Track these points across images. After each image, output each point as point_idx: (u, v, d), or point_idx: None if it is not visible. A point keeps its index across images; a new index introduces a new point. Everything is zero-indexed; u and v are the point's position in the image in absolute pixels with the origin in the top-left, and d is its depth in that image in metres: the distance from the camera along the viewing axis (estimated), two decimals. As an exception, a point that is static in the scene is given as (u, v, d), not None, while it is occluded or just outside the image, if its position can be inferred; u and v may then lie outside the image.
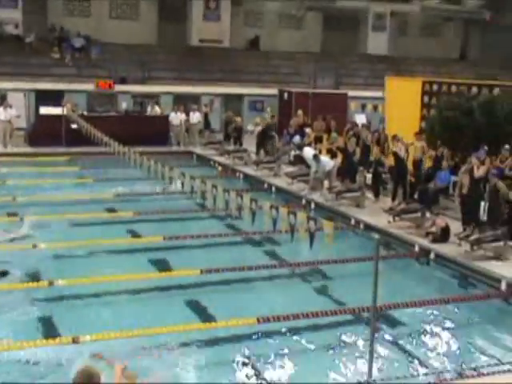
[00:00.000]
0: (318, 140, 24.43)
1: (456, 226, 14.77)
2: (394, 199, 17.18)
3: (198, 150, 26.88)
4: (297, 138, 23.69)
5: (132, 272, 12.36)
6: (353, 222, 16.58)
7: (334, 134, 21.06)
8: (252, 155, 24.01)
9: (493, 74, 37.19)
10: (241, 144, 25.29)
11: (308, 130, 24.10)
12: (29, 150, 25.18)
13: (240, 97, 33.38)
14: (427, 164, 18.51)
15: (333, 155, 20.08)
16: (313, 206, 18.38)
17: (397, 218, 15.79)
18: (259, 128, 24.76)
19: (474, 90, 19.23)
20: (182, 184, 15.23)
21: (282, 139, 24.75)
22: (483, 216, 14.39)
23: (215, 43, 35.96)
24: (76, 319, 10.39)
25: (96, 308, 10.97)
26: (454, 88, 19.79)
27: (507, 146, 16.15)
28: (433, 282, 13.35)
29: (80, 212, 16.72)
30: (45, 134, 25.00)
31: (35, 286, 11.52)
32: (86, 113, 27.08)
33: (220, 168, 23.64)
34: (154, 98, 30.41)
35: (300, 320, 10.41)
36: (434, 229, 14.62)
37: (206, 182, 13.69)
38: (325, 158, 19.23)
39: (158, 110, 28.58)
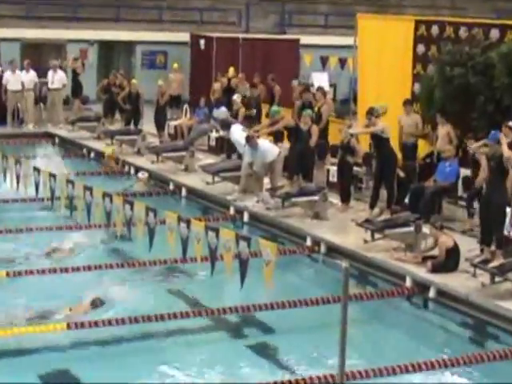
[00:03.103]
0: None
1: (469, 247, 15.11)
2: (372, 206, 17.42)
3: (63, 131, 26.77)
4: (221, 111, 23.75)
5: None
6: (309, 241, 16.75)
7: (274, 107, 21.11)
8: (150, 139, 23.98)
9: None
10: (136, 123, 25.07)
11: (237, 97, 24.20)
12: None
13: (129, 45, 33.30)
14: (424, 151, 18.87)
15: (278, 138, 20.23)
16: (246, 217, 18.52)
17: (377, 235, 16.02)
18: (166, 97, 24.83)
19: (494, 33, 19.62)
20: (37, 186, 15.10)
21: (196, 113, 24.82)
22: (509, 230, 14.71)
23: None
24: None
25: None
26: (463, 31, 20.15)
27: None
28: (433, 333, 13.59)
29: None
30: None
31: None
32: None
33: (108, 158, 23.21)
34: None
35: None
36: (434, 251, 14.89)
37: (75, 183, 13.63)
38: (265, 143, 19.33)
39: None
